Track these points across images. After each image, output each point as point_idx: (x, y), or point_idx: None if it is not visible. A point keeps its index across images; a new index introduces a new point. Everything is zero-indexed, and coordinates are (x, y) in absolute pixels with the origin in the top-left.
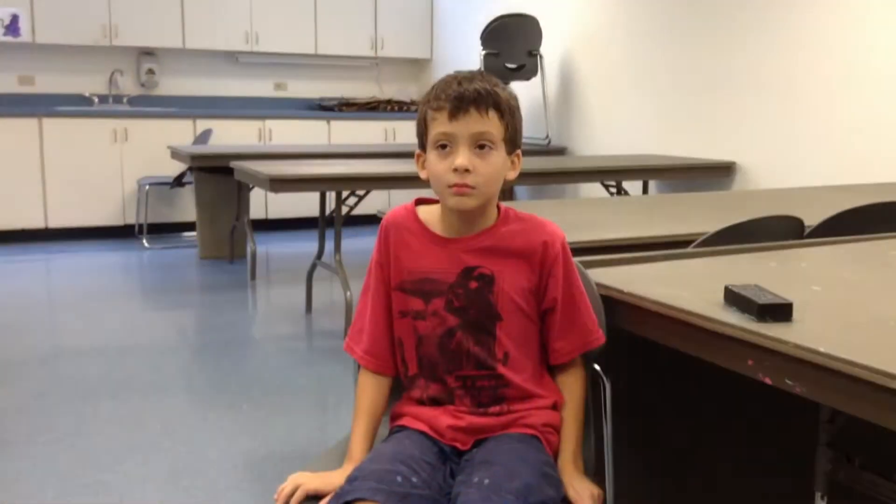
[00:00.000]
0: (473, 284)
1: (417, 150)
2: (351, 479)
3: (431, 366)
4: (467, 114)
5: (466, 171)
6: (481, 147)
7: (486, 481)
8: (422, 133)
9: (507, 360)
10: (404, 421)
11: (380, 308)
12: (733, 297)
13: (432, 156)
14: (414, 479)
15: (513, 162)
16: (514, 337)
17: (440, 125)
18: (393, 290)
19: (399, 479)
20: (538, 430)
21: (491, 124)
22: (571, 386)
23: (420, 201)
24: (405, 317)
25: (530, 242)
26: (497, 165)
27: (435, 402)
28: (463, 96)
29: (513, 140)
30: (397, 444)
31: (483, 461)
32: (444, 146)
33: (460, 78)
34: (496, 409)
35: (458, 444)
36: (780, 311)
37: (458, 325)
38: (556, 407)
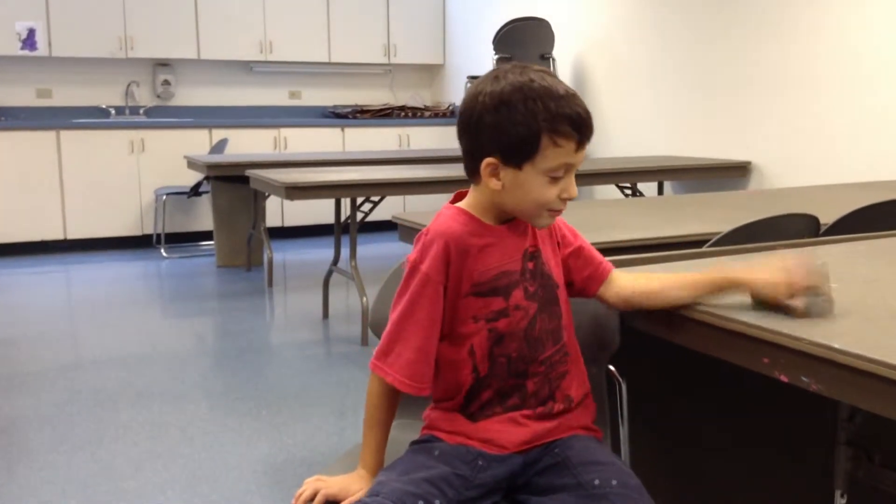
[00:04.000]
0: (531, 265)
1: (491, 158)
2: (372, 494)
3: (512, 362)
4: (584, 148)
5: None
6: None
7: (614, 482)
8: (527, 151)
9: (567, 327)
10: (442, 435)
11: (433, 330)
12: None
13: (538, 179)
14: (437, 502)
15: None
16: (566, 301)
17: (565, 155)
18: (463, 297)
19: (420, 503)
20: (593, 431)
21: None
22: (637, 277)
23: (457, 199)
24: (478, 321)
25: None
26: None
27: (501, 400)
28: (590, 128)
29: None
30: (427, 458)
31: (582, 462)
32: (558, 177)
33: (567, 91)
34: (560, 406)
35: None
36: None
37: (537, 311)
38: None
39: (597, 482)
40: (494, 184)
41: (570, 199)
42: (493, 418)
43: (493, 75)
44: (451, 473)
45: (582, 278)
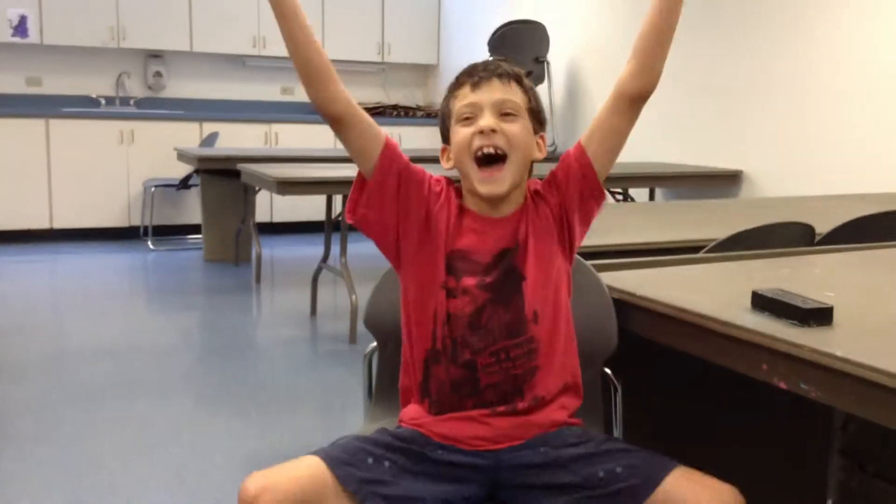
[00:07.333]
0: (501, 261)
1: (443, 145)
2: (329, 444)
3: (458, 347)
4: (490, 83)
5: (493, 131)
6: (506, 115)
7: (619, 469)
8: (445, 125)
9: (536, 318)
10: (404, 424)
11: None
12: (765, 302)
13: (456, 129)
14: (386, 464)
15: (538, 143)
16: (541, 293)
17: (463, 98)
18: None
19: (370, 460)
20: (572, 423)
21: (514, 93)
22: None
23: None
24: (442, 289)
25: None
26: (524, 131)
27: (456, 388)
28: (485, 67)
29: (536, 116)
30: (386, 434)
31: (577, 457)
32: (468, 118)
33: (479, 62)
34: (525, 404)
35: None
36: (824, 315)
37: (488, 301)
38: (575, 389)
39: (601, 475)
40: (448, 164)
41: (485, 130)
42: (452, 414)
43: None
44: (405, 447)
45: (580, 166)
